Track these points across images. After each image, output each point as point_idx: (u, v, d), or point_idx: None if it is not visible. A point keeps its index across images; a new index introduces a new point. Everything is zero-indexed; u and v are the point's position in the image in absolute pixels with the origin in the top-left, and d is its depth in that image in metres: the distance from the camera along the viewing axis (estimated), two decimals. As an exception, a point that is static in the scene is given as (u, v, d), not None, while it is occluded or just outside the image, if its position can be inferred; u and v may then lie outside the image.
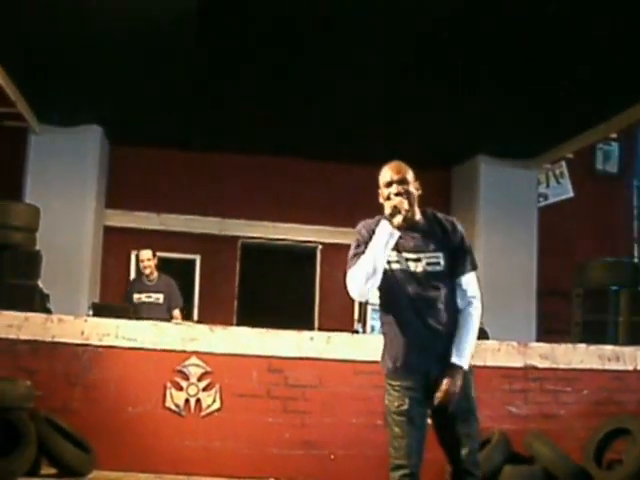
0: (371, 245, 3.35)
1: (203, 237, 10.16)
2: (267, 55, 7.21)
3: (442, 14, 6.28)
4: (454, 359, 3.37)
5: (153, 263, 7.90)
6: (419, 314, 3.39)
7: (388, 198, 3.40)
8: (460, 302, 3.45)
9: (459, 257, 3.46)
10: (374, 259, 3.32)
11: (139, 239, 9.61)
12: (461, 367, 3.37)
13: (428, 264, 3.40)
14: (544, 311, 9.86)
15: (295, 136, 9.24)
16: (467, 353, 3.39)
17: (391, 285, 3.40)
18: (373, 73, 7.47)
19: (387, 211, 3.37)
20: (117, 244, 9.89)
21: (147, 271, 7.88)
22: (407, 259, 3.40)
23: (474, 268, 3.50)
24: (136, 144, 9.74)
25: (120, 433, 6.04)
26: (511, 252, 9.68)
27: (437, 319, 3.40)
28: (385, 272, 3.38)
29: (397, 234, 3.34)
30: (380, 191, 3.47)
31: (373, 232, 3.40)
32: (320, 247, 10.51)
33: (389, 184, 3.41)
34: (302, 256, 10.57)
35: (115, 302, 9.34)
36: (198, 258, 10.24)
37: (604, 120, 8.36)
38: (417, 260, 3.40)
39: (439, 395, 3.33)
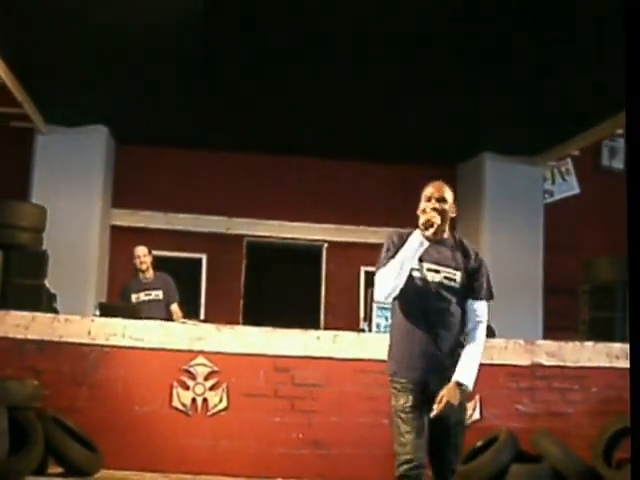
0: (401, 251, 3.54)
1: (209, 236, 10.15)
2: (271, 55, 7.20)
3: (445, 12, 6.27)
4: (459, 377, 3.50)
5: (149, 260, 7.90)
6: (428, 321, 3.56)
7: (424, 211, 3.60)
8: (469, 323, 3.62)
9: (476, 283, 3.64)
10: (402, 264, 3.52)
11: (145, 238, 9.59)
12: (463, 385, 3.50)
13: (445, 278, 3.59)
14: (550, 308, 9.84)
15: (300, 134, 9.23)
16: (472, 374, 3.54)
17: (407, 291, 3.57)
18: (376, 71, 7.46)
19: (421, 222, 3.56)
20: (123, 243, 9.86)
21: (143, 267, 7.87)
22: (428, 269, 3.59)
23: (490, 298, 3.69)
24: (142, 143, 9.74)
25: (127, 432, 6.06)
26: (517, 249, 9.65)
27: (444, 329, 3.56)
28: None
29: (426, 244, 3.54)
30: (420, 204, 3.65)
31: (403, 239, 3.59)
32: (326, 245, 10.49)
33: (428, 199, 3.62)
34: (308, 255, 10.56)
35: (122, 302, 9.37)
36: (204, 257, 10.23)
37: (610, 116, 8.33)
38: (436, 272, 3.59)
39: (439, 407, 3.45)
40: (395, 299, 3.62)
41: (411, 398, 3.52)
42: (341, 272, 10.32)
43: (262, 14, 6.51)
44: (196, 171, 10.11)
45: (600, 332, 7.27)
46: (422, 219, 3.55)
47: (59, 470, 5.77)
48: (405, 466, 3.43)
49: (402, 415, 3.51)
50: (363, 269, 10.18)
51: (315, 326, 9.01)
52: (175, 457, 6.11)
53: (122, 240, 9.85)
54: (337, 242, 10.33)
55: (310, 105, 8.30)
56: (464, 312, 3.61)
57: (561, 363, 6.46)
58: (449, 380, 3.51)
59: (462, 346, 3.58)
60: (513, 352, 6.46)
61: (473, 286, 3.62)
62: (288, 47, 7.02)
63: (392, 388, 3.61)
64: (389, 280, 3.52)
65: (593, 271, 7.87)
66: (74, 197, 9.04)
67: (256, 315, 9.25)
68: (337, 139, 9.37)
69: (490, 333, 7.07)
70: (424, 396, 3.53)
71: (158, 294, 7.85)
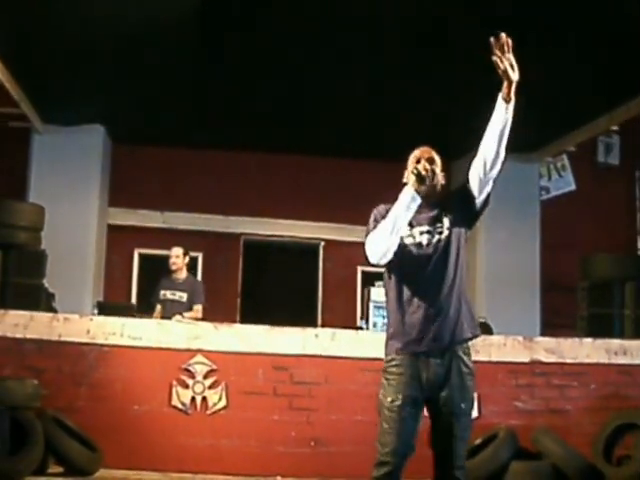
0: (393, 208, 3.31)
1: (206, 234, 10.15)
2: (269, 54, 7.20)
3: (443, 11, 6.28)
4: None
5: (181, 261, 7.89)
6: (426, 288, 3.30)
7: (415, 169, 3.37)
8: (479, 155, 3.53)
9: (464, 187, 3.47)
10: (395, 221, 3.27)
11: (142, 237, 9.64)
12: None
13: (439, 233, 3.35)
14: (547, 305, 9.85)
15: (297, 133, 9.23)
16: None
17: (402, 261, 3.33)
18: (373, 70, 7.46)
19: (411, 177, 3.31)
20: (120, 242, 9.89)
21: (173, 267, 7.88)
22: (421, 232, 3.35)
23: None
24: (139, 142, 9.75)
25: (126, 432, 6.05)
26: (513, 246, 9.66)
27: (440, 295, 3.29)
28: (398, 246, 3.31)
29: (419, 200, 3.29)
30: (408, 166, 3.42)
31: (388, 211, 3.36)
32: (322, 244, 10.50)
33: (418, 160, 3.40)
34: (305, 253, 10.56)
35: (119, 300, 9.37)
36: (201, 255, 10.23)
37: (606, 112, 8.35)
38: (429, 233, 3.35)
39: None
40: (390, 273, 3.37)
41: (400, 397, 3.23)
42: (338, 270, 10.33)
43: (262, 14, 6.51)
44: (193, 170, 10.10)
45: (598, 328, 7.29)
46: (412, 175, 3.28)
47: (59, 470, 5.77)
48: (384, 469, 3.23)
49: (387, 413, 3.26)
50: (360, 268, 10.19)
51: (312, 324, 9.01)
52: (175, 456, 6.10)
53: (119, 239, 9.86)
54: (334, 241, 10.34)
55: (308, 104, 8.30)
56: (461, 273, 3.35)
57: (560, 360, 6.46)
58: (447, 372, 3.24)
59: (466, 317, 3.31)
60: (512, 349, 6.46)
61: (470, 187, 3.45)
62: (287, 47, 7.02)
63: (383, 378, 3.33)
64: (382, 239, 3.26)
65: (591, 268, 7.88)
66: (71, 196, 9.05)
67: (253, 313, 9.25)
68: (334, 137, 9.37)
69: (488, 330, 7.11)
70: (417, 392, 3.25)
71: (182, 296, 7.87)
